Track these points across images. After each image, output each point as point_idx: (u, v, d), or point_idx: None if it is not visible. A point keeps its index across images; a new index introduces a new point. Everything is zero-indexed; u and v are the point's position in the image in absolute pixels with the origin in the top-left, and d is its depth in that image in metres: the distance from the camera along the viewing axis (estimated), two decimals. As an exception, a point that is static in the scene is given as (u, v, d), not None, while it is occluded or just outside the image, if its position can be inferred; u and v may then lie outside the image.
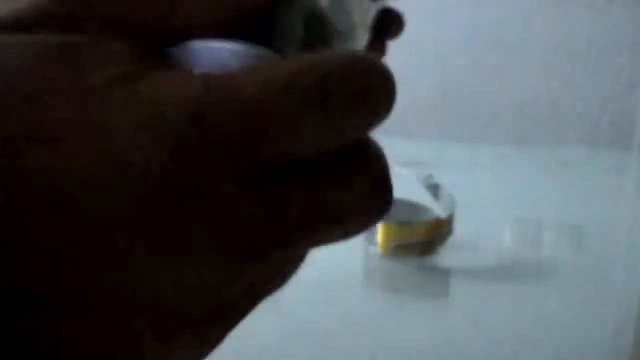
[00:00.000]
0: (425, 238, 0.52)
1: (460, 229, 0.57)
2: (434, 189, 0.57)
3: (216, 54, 0.18)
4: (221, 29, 0.18)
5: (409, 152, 0.75)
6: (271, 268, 0.18)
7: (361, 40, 0.22)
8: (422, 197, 0.64)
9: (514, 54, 1.33)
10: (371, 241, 0.53)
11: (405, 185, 0.66)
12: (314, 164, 0.17)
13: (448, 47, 1.30)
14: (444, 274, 0.50)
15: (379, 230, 0.52)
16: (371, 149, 0.18)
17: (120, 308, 0.15)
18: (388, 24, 0.29)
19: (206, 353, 0.18)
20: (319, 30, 0.20)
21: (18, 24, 0.20)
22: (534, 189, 0.65)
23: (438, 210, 0.59)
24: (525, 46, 1.31)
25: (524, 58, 1.32)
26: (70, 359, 0.16)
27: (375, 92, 0.17)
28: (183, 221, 0.15)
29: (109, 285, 0.15)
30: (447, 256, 0.53)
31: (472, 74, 1.33)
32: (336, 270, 0.48)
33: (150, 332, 0.16)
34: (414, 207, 0.57)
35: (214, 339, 0.17)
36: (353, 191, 0.18)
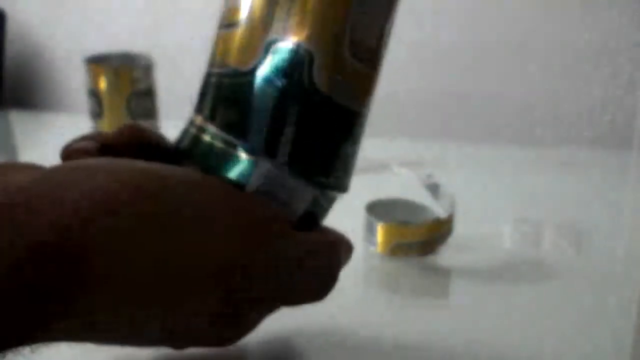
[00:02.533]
0: (425, 238, 0.52)
1: (460, 229, 0.57)
2: (434, 189, 0.57)
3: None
4: None
5: (409, 152, 0.75)
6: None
7: None
8: (422, 197, 0.64)
9: (514, 54, 1.33)
10: (371, 241, 0.53)
11: (405, 185, 0.66)
12: None
13: (448, 47, 1.30)
14: (444, 274, 0.50)
15: (379, 230, 0.52)
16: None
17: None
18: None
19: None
20: None
21: (105, 149, 0.31)
22: (534, 189, 0.65)
23: (438, 210, 0.59)
24: (525, 46, 1.31)
25: (524, 58, 1.32)
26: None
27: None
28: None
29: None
30: (447, 256, 0.53)
31: (472, 74, 1.33)
32: (336, 270, 0.48)
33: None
34: (414, 207, 0.57)
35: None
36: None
